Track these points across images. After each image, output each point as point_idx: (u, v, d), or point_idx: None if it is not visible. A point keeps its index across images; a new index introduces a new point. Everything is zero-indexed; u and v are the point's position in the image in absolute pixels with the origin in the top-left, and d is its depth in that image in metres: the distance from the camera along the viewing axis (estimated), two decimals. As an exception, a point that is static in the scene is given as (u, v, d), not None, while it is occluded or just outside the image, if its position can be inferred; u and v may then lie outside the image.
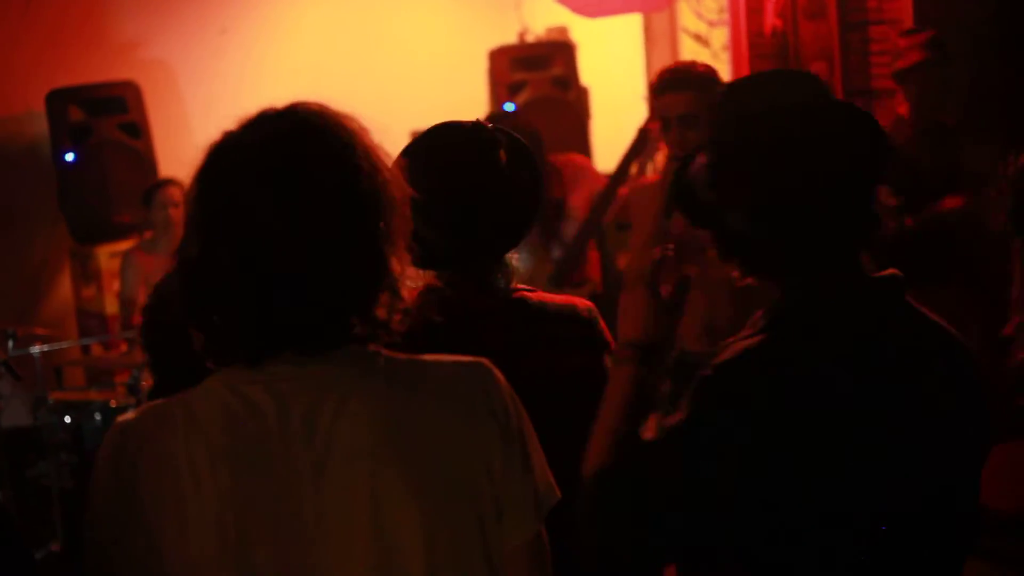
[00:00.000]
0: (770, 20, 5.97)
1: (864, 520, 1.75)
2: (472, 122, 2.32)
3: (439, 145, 2.28)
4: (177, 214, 5.87)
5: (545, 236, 5.11)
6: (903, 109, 5.19)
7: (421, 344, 1.71)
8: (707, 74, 3.88)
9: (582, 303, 2.35)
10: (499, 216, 2.28)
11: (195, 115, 7.32)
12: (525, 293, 2.31)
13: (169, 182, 6.08)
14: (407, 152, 2.25)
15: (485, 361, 1.69)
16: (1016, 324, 2.73)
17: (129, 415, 1.63)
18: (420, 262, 2.17)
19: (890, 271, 1.85)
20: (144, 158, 6.67)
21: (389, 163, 1.66)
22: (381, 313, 1.62)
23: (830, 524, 1.73)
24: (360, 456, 1.57)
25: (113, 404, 5.42)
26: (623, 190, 4.96)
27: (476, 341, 2.08)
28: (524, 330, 2.27)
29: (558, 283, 5.43)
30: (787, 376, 1.73)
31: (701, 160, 1.87)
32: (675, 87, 3.83)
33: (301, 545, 1.56)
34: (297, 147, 1.59)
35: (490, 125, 2.32)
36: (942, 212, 5.03)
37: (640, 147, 5.02)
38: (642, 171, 5.82)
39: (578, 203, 5.53)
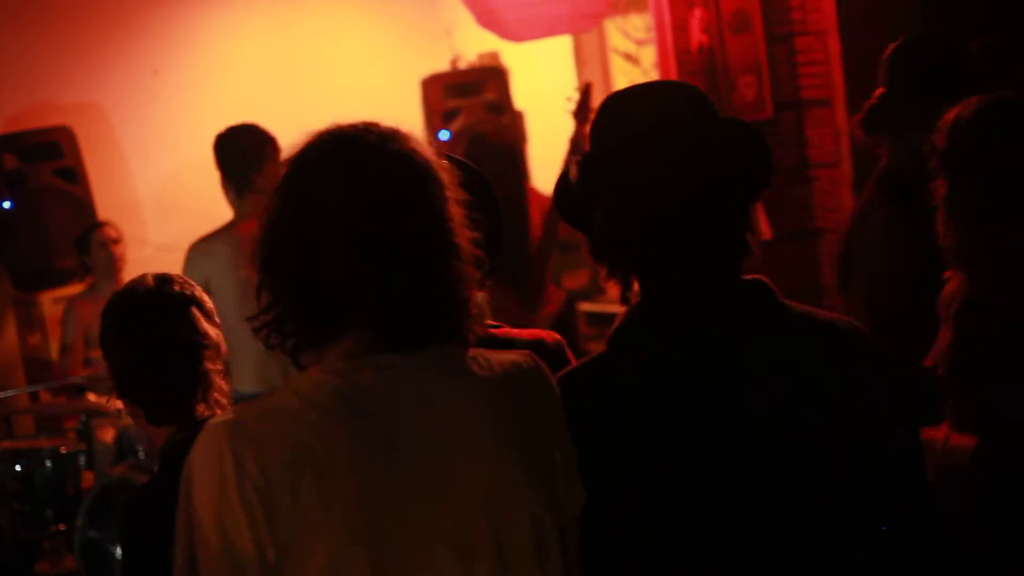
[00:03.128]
0: (696, 36, 6.04)
1: (727, 533, 1.72)
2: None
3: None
4: (118, 250, 5.84)
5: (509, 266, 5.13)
6: None
7: None
8: None
9: (550, 336, 2.34)
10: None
11: (132, 158, 7.30)
12: (492, 330, 2.25)
13: (101, 224, 6.04)
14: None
15: (535, 356, 1.78)
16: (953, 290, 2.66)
17: (225, 416, 1.58)
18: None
19: (755, 276, 1.83)
20: (82, 203, 6.65)
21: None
22: (468, 314, 1.71)
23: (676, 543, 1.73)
24: (478, 437, 1.64)
25: (63, 451, 5.40)
26: None
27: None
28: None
29: (531, 309, 5.47)
30: (616, 390, 1.77)
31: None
32: None
33: (425, 523, 1.58)
34: (408, 171, 1.74)
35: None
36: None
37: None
38: None
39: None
